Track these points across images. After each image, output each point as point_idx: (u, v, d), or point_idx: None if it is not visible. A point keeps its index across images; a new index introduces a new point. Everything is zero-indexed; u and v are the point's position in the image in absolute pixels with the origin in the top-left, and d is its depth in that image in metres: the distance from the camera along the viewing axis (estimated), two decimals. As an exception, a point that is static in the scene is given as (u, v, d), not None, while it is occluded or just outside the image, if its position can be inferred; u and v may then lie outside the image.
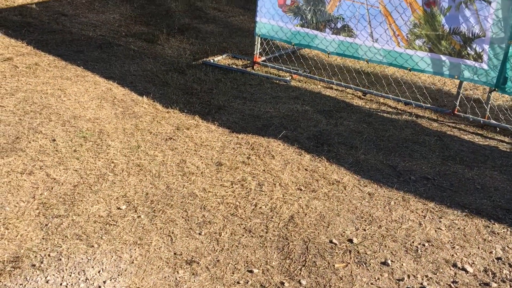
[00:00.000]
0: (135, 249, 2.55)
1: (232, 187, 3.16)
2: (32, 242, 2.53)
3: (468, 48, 4.15)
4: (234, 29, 6.98)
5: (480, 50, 4.10)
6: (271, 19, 5.17)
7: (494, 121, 4.37)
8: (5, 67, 4.68)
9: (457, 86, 4.51)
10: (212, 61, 5.48)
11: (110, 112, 4.03)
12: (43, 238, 2.56)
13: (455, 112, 4.48)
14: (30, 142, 3.45)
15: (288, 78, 5.16)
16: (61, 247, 2.52)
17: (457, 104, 4.47)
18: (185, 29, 6.63)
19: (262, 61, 5.54)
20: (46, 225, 2.66)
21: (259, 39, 5.42)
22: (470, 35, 4.11)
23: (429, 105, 4.69)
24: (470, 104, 4.67)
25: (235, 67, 5.41)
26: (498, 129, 4.32)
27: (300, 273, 2.47)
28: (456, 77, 4.31)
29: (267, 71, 5.37)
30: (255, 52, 5.44)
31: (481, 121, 4.37)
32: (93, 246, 2.55)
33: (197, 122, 4.03)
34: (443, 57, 4.30)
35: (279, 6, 5.09)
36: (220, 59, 5.61)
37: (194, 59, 5.55)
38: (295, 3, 4.99)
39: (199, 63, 5.42)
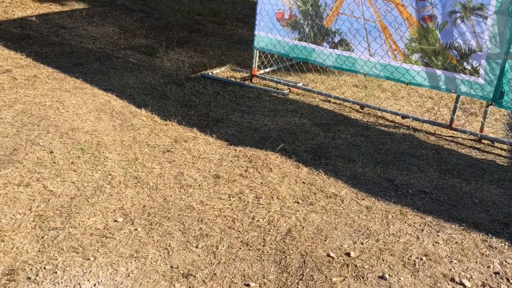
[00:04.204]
0: (131, 262, 2.54)
1: (230, 200, 3.16)
2: (28, 254, 2.52)
3: (465, 63, 4.18)
4: (232, 42, 7.02)
5: (477, 65, 4.13)
6: (270, 33, 5.21)
7: (491, 135, 4.39)
8: (4, 79, 4.69)
9: (454, 100, 4.53)
10: (210, 74, 5.50)
11: (108, 124, 4.04)
12: (39, 251, 2.55)
13: (453, 125, 4.50)
14: (27, 154, 3.44)
15: (286, 91, 5.18)
16: (57, 259, 2.50)
17: (454, 118, 4.49)
18: (184, 42, 6.67)
19: (261, 74, 5.57)
20: (42, 237, 2.65)
21: (258, 52, 5.45)
22: (467, 50, 4.14)
23: (426, 118, 4.71)
24: (467, 118, 4.69)
25: (234, 80, 5.43)
26: (495, 143, 4.33)
27: (297, 287, 2.46)
28: (453, 91, 4.33)
29: (266, 84, 5.39)
30: (254, 65, 5.47)
31: (479, 135, 4.38)
32: (89, 259, 2.53)
33: (195, 134, 4.03)
34: (440, 72, 4.33)
35: (278, 20, 5.13)
36: (219, 72, 5.64)
37: (193, 72, 5.57)
38: (293, 17, 5.04)
39: (198, 76, 5.45)
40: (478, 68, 4.13)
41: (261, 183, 3.38)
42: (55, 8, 7.25)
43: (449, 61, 4.25)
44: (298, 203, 3.19)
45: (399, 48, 4.50)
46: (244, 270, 2.55)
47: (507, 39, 3.93)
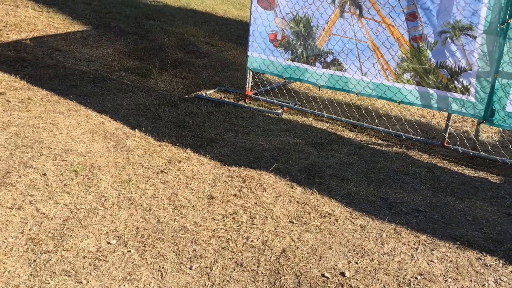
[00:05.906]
0: (124, 285, 2.51)
1: (224, 220, 3.15)
2: (20, 278, 2.49)
3: (455, 82, 4.24)
4: (226, 63, 7.08)
5: (467, 84, 4.18)
6: (262, 54, 5.26)
7: (483, 153, 4.42)
8: (-2, 101, 4.70)
9: (446, 118, 4.57)
10: (204, 94, 5.54)
11: (101, 146, 4.04)
12: (31, 275, 2.52)
13: (445, 144, 4.53)
14: (20, 177, 3.43)
15: (279, 111, 5.21)
16: (49, 283, 2.47)
17: (447, 136, 4.52)
18: (178, 64, 6.72)
19: (254, 94, 5.61)
20: (35, 261, 2.62)
21: (251, 73, 5.50)
22: (457, 69, 4.20)
23: (419, 137, 4.74)
24: (459, 136, 4.72)
25: (227, 100, 5.46)
26: (487, 160, 4.36)
27: (292, 308, 2.44)
28: (444, 109, 4.37)
29: (259, 104, 5.43)
30: (247, 86, 5.51)
31: (471, 153, 4.41)
32: (81, 282, 2.50)
33: (189, 155, 4.04)
34: (431, 90, 4.38)
35: (270, 41, 5.19)
36: (212, 93, 5.67)
37: (187, 92, 5.60)
38: (285, 38, 5.10)
39: (192, 97, 5.47)
40: (468, 87, 4.18)
41: (255, 203, 3.38)
42: (50, 31, 7.30)
43: (440, 80, 4.31)
44: (292, 223, 3.18)
45: (390, 68, 4.55)
46: (239, 291, 2.53)
47: (496, 58, 3.99)
